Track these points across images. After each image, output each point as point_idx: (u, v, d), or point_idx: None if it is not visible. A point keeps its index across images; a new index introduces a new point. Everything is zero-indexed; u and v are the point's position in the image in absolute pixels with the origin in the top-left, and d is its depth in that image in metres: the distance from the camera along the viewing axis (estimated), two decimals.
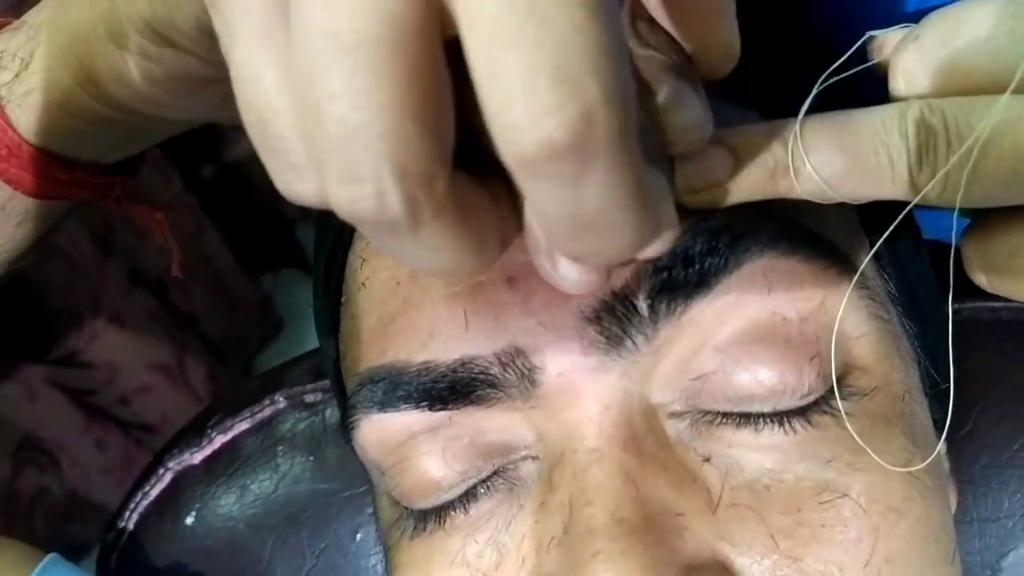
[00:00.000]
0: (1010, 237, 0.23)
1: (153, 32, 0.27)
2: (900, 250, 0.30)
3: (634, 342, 0.24)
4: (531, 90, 0.14)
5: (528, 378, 0.25)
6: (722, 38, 0.22)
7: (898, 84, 0.22)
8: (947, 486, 0.29)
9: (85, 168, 0.33)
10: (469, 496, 0.26)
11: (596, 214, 0.16)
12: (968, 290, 0.38)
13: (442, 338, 0.25)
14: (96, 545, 1.13)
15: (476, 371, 0.25)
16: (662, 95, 0.20)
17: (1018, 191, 0.21)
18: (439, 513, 0.27)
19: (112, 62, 0.28)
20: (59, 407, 0.95)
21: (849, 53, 0.24)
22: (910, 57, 0.22)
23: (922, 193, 0.21)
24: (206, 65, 0.28)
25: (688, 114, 0.21)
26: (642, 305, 0.24)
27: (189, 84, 0.29)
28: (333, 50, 0.15)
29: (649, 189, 0.17)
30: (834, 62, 0.27)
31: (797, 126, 0.22)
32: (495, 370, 0.25)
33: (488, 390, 0.25)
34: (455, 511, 0.26)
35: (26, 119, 0.31)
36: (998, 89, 0.20)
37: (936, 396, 0.31)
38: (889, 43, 0.23)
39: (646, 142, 0.18)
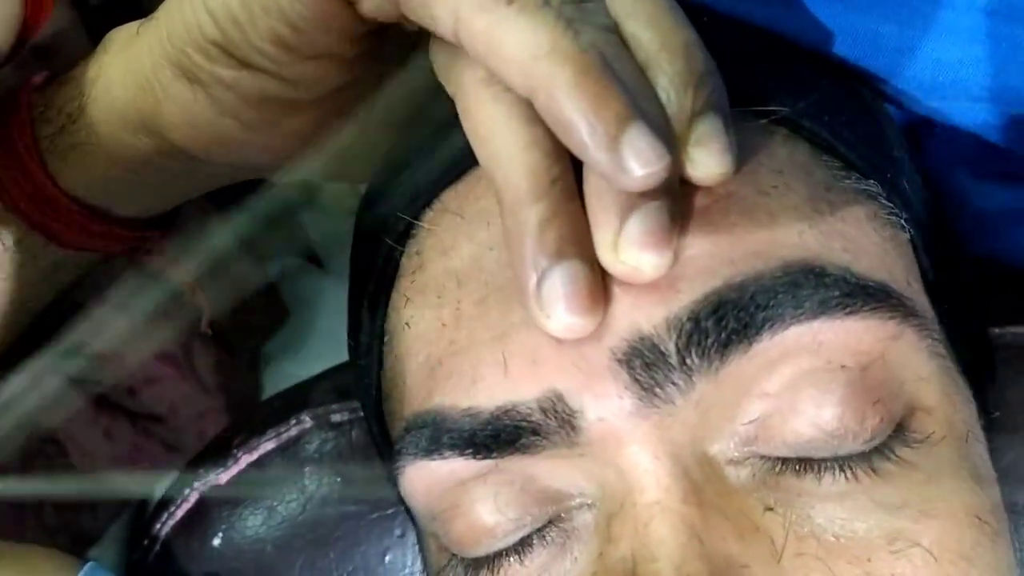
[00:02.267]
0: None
1: (227, 55, 0.26)
2: (948, 283, 0.30)
3: (666, 391, 0.24)
4: None
5: (569, 424, 0.24)
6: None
7: None
8: (1007, 523, 0.29)
9: (121, 223, 0.33)
10: (524, 545, 0.26)
11: None
12: (1011, 315, 0.38)
13: (484, 384, 0.25)
14: (105, 534, 1.13)
15: (519, 418, 0.24)
16: None
17: None
18: (492, 562, 0.26)
19: (182, 102, 0.28)
20: (67, 398, 0.95)
21: None
22: None
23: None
24: (285, 85, 0.27)
25: None
26: (672, 354, 0.24)
27: (266, 110, 0.28)
28: None
29: None
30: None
31: None
32: (537, 416, 0.24)
33: (532, 437, 0.25)
34: (509, 561, 0.26)
35: (68, 173, 0.31)
36: None
37: (985, 428, 0.30)
38: None
39: None
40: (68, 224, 0.33)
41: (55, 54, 0.89)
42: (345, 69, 0.28)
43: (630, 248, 0.22)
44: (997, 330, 0.37)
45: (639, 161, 0.21)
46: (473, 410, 0.25)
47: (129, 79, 0.29)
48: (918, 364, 0.25)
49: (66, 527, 1.00)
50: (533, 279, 0.22)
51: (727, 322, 0.23)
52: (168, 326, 1.00)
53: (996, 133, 0.33)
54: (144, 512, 1.21)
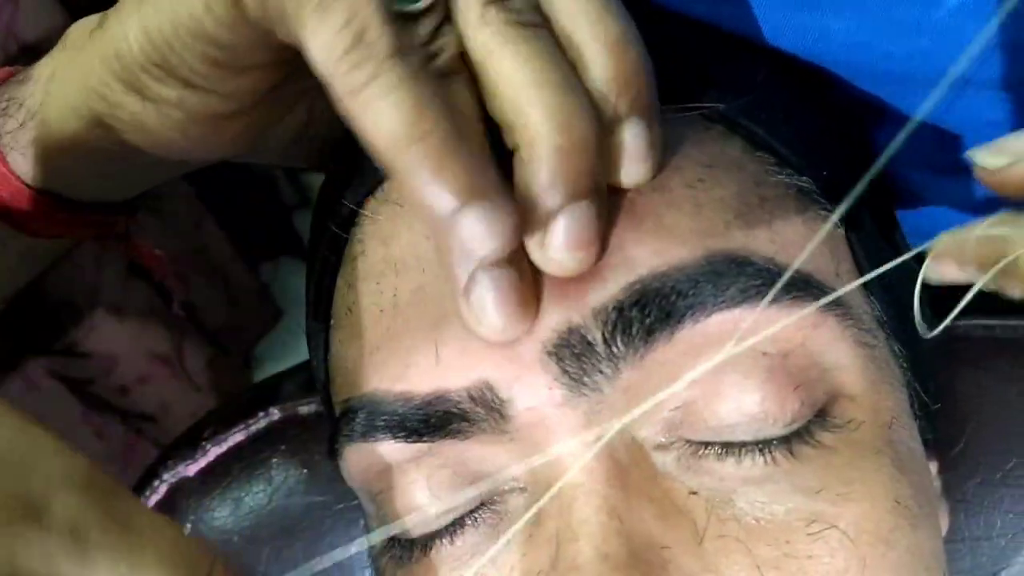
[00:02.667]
0: None
1: (168, 75, 0.28)
2: (888, 273, 0.30)
3: (594, 380, 0.24)
4: None
5: (499, 411, 0.25)
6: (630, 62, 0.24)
7: None
8: (938, 509, 0.29)
9: (88, 209, 0.34)
10: (456, 526, 0.27)
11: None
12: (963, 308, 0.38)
13: (417, 370, 0.26)
14: None
15: (449, 405, 0.25)
16: None
17: None
18: (425, 543, 0.27)
19: (132, 113, 0.29)
20: (59, 397, 0.95)
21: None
22: None
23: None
24: (223, 99, 0.28)
25: None
26: (599, 343, 0.24)
27: (209, 123, 0.29)
28: None
29: None
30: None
31: None
32: (466, 404, 0.25)
33: (462, 423, 0.25)
34: (441, 541, 0.27)
35: (30, 166, 0.32)
36: None
37: (927, 416, 0.31)
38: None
39: None
40: (35, 214, 0.33)
41: (44, 54, 0.90)
42: (280, 73, 0.29)
43: (556, 248, 0.23)
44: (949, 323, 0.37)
45: (474, 244, 0.22)
46: (406, 394, 0.26)
47: (82, 82, 0.30)
48: (840, 352, 0.26)
49: None
50: (463, 284, 0.23)
51: (650, 310, 0.24)
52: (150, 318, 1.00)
53: (946, 122, 0.33)
54: None
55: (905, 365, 0.29)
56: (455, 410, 0.25)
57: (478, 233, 0.22)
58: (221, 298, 1.14)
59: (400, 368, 0.26)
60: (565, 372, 0.24)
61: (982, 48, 0.26)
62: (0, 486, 0.19)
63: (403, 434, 0.26)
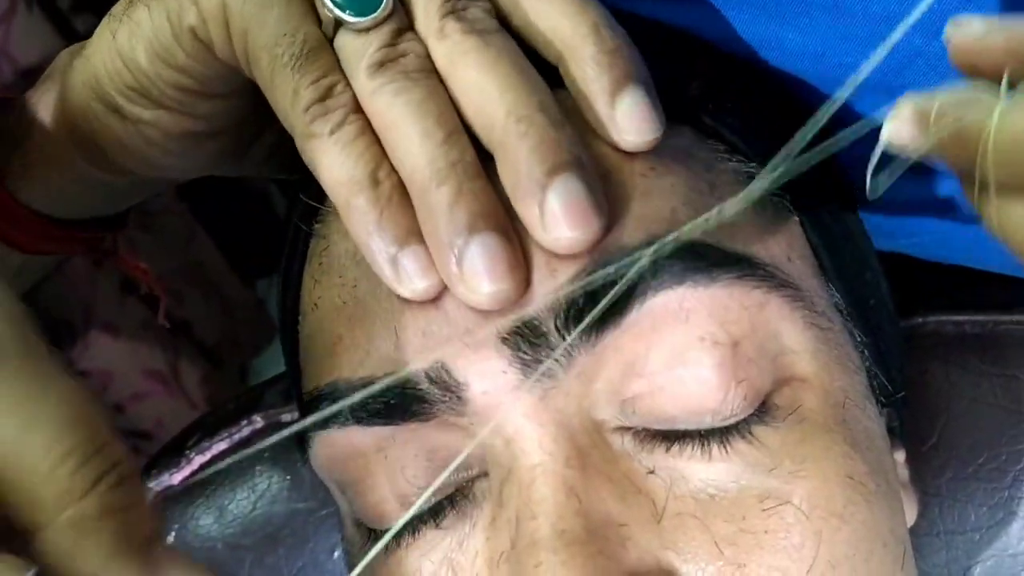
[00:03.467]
0: None
1: (144, 98, 0.29)
2: (844, 260, 0.31)
3: (549, 367, 0.25)
4: None
5: (455, 394, 0.26)
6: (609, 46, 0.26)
7: None
8: (900, 492, 0.30)
9: (78, 226, 0.35)
10: (431, 514, 0.27)
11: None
12: (931, 303, 0.39)
13: (378, 355, 0.26)
14: None
15: (409, 386, 0.26)
16: None
17: None
18: (398, 533, 0.27)
19: (116, 133, 0.30)
20: None
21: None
22: None
23: None
24: (197, 120, 0.30)
25: None
26: (551, 332, 0.25)
27: (187, 141, 0.31)
28: None
29: None
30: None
31: None
32: (424, 386, 0.26)
33: (421, 405, 0.26)
34: (409, 531, 0.27)
35: (24, 188, 0.33)
36: None
37: (894, 404, 0.31)
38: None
39: None
40: (29, 233, 0.35)
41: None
42: (250, 98, 0.30)
43: (556, 225, 0.24)
44: (919, 319, 0.38)
45: (412, 278, 0.25)
46: (367, 379, 0.26)
47: (67, 107, 0.32)
48: (790, 334, 0.27)
49: None
50: (452, 259, 0.24)
51: (599, 298, 0.24)
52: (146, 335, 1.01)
53: None
54: None
55: (865, 351, 0.29)
56: (414, 391, 0.26)
57: (412, 273, 0.25)
58: (216, 313, 1.14)
59: (361, 354, 0.26)
60: (519, 358, 0.25)
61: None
62: None
63: (365, 416, 0.26)
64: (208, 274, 1.11)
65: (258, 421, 0.43)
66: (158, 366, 1.01)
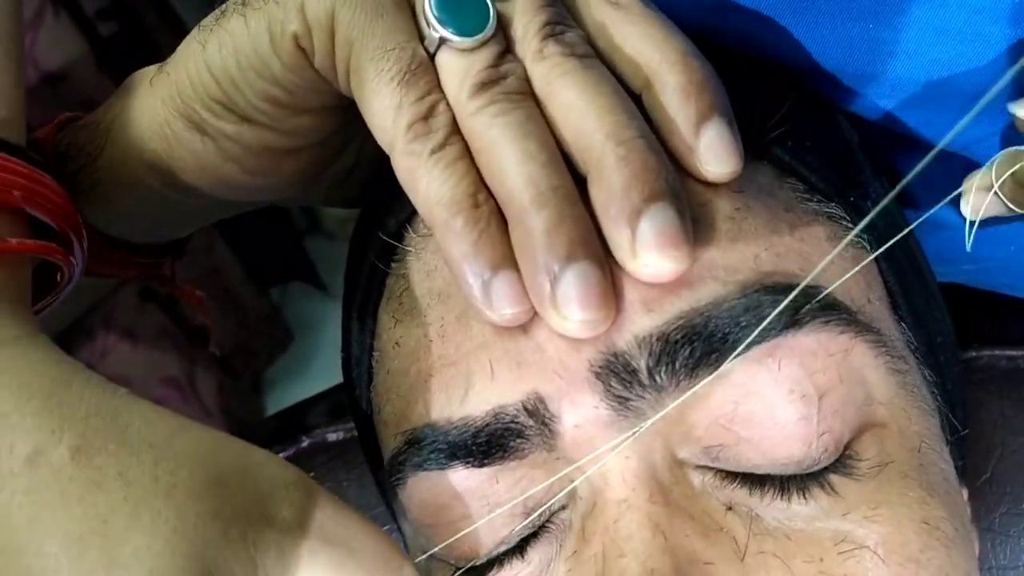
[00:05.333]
0: None
1: (229, 112, 0.29)
2: (916, 299, 0.31)
3: (638, 405, 0.25)
4: None
5: (548, 426, 0.25)
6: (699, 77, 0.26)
7: None
8: (971, 533, 0.30)
9: (138, 250, 0.35)
10: (516, 550, 0.27)
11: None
12: (984, 337, 0.39)
13: (475, 391, 0.26)
14: None
15: (507, 420, 0.26)
16: None
17: None
18: (481, 571, 0.27)
19: (192, 150, 0.30)
20: None
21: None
22: None
23: None
24: (283, 136, 0.30)
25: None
26: (643, 371, 0.25)
27: (267, 158, 0.30)
28: None
29: None
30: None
31: None
32: (522, 418, 0.25)
33: (518, 440, 0.26)
34: (497, 564, 0.27)
35: (89, 208, 0.33)
36: None
37: (957, 442, 0.31)
38: None
39: None
40: (90, 254, 0.34)
41: (66, 82, 0.90)
42: (337, 118, 0.30)
43: (646, 251, 0.24)
44: (973, 352, 0.38)
45: (503, 304, 0.24)
46: (467, 419, 0.26)
47: (144, 125, 0.31)
48: (874, 381, 0.26)
49: None
50: (547, 285, 0.23)
51: (696, 348, 0.24)
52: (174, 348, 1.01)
53: (971, 150, 0.33)
54: None
55: (935, 391, 0.29)
56: (512, 425, 0.25)
57: (503, 298, 0.24)
58: (232, 322, 1.14)
59: (460, 394, 0.26)
60: (610, 392, 0.25)
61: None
62: (236, 494, 0.22)
63: (469, 459, 0.26)
64: (225, 282, 1.11)
65: (303, 440, 0.43)
66: (175, 373, 1.02)
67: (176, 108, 0.30)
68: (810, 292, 0.26)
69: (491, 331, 0.26)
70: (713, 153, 0.25)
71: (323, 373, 1.23)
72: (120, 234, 0.35)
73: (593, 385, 0.25)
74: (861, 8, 0.30)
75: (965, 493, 0.32)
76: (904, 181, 0.23)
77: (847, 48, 0.31)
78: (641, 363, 0.25)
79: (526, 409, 0.25)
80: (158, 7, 1.01)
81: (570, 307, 0.23)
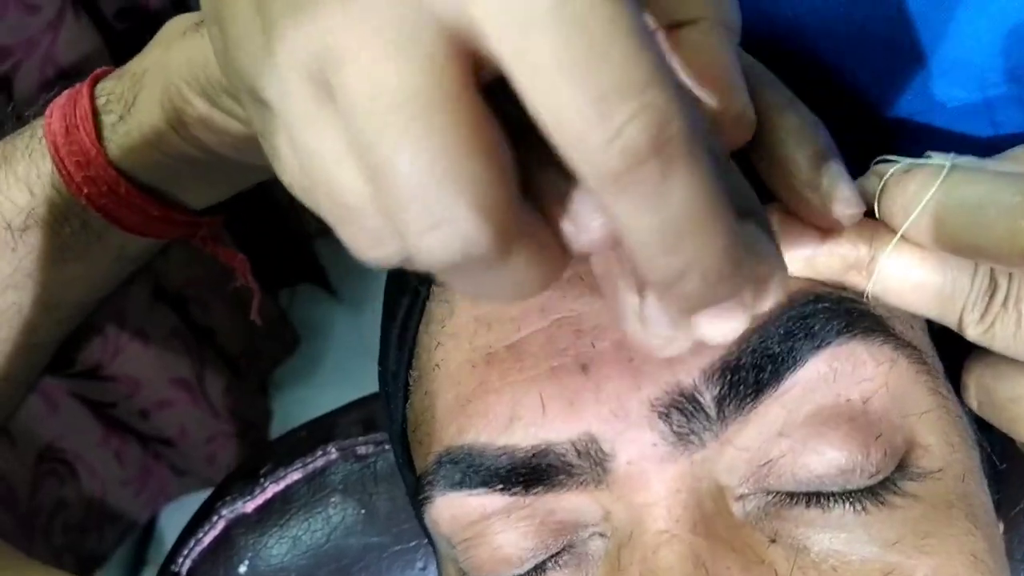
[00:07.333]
0: (1016, 386, 0.25)
1: (236, 98, 0.29)
2: (955, 335, 0.31)
3: (701, 438, 0.25)
4: (603, 113, 0.15)
5: (600, 465, 0.25)
6: (735, 110, 0.23)
7: None
8: (1006, 568, 0.30)
9: (176, 207, 0.36)
10: (538, 571, 0.27)
11: (686, 216, 0.16)
12: None
13: (522, 423, 0.26)
14: (111, 556, 1.12)
15: (554, 458, 0.26)
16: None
17: None
18: None
19: (201, 113, 0.31)
20: (79, 418, 0.96)
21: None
22: None
23: (965, 330, 0.24)
24: None
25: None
26: (710, 405, 0.25)
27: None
28: (382, 112, 0.16)
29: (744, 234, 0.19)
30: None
31: (897, 239, 0.25)
32: (571, 457, 0.25)
33: (563, 476, 0.26)
34: None
35: (125, 158, 0.33)
36: None
37: (994, 476, 0.31)
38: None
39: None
40: (129, 207, 0.35)
41: (81, 77, 0.91)
42: None
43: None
44: None
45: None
46: (509, 448, 0.26)
47: (168, 79, 0.32)
48: (917, 397, 0.27)
49: (73, 548, 1.00)
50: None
51: (760, 369, 0.25)
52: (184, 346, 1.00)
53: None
54: (150, 536, 1.20)
55: (974, 425, 0.30)
56: (558, 463, 0.26)
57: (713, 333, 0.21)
58: (240, 323, 1.14)
59: (504, 421, 0.26)
60: (672, 430, 0.25)
61: None
62: None
63: (502, 486, 0.26)
64: (233, 284, 1.11)
65: (333, 452, 0.43)
66: (185, 374, 1.02)
67: (197, 74, 0.30)
68: (857, 306, 0.26)
69: (547, 366, 0.26)
70: (838, 192, 0.24)
71: (330, 376, 1.23)
72: (159, 188, 0.35)
73: (653, 424, 0.25)
74: None
75: (1001, 527, 0.32)
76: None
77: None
78: (707, 396, 0.25)
79: (576, 450, 0.25)
80: (176, 8, 1.01)
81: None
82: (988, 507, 0.28)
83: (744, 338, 0.25)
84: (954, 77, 0.30)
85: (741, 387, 0.25)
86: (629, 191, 0.16)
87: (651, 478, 0.25)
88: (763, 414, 0.25)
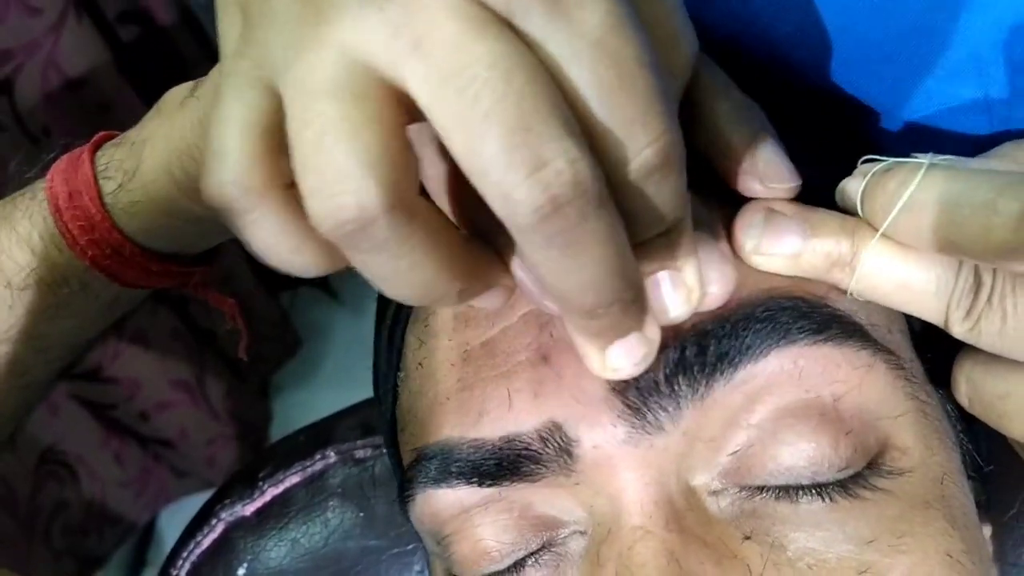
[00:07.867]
0: (1005, 383, 0.25)
1: None
2: (943, 335, 0.31)
3: (657, 417, 0.25)
4: (511, 165, 0.18)
5: (566, 451, 0.26)
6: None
7: None
8: (991, 570, 0.30)
9: (174, 260, 0.37)
10: (517, 567, 0.28)
11: (598, 265, 0.20)
12: None
13: (490, 417, 0.27)
14: (111, 557, 1.12)
15: (520, 447, 0.26)
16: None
17: None
18: None
19: None
20: (80, 420, 0.96)
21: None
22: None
23: (951, 328, 0.25)
24: None
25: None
26: (661, 381, 0.25)
27: None
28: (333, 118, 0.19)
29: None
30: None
31: (878, 236, 0.25)
32: (537, 446, 0.26)
33: (532, 466, 0.26)
34: None
35: (130, 222, 0.35)
36: None
37: (981, 478, 0.31)
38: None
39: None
40: (131, 266, 0.36)
41: (87, 87, 0.91)
42: None
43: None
44: None
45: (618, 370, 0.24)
46: (479, 441, 0.27)
47: (172, 147, 0.33)
48: (893, 402, 0.27)
49: (73, 550, 1.00)
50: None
51: (711, 349, 0.25)
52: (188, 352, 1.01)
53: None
54: (150, 537, 1.20)
55: (958, 425, 0.30)
56: (526, 452, 0.26)
57: (622, 363, 0.24)
58: (241, 325, 1.14)
59: (474, 416, 0.27)
60: (628, 407, 0.25)
61: None
62: None
63: (476, 479, 0.27)
64: (235, 286, 1.12)
65: (331, 455, 0.44)
66: (185, 376, 1.02)
67: (201, 136, 0.31)
68: (835, 312, 0.26)
69: (514, 361, 0.27)
70: (773, 173, 0.26)
71: (331, 379, 1.23)
72: (158, 246, 0.36)
73: (611, 403, 0.26)
74: None
75: (988, 530, 0.32)
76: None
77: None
78: (659, 373, 0.25)
79: (541, 437, 0.26)
80: (179, 11, 1.01)
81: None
82: (968, 509, 0.28)
83: (701, 320, 0.25)
84: (956, 76, 0.30)
85: (691, 365, 0.25)
86: (543, 239, 0.19)
87: (616, 465, 0.26)
88: (720, 401, 0.26)
